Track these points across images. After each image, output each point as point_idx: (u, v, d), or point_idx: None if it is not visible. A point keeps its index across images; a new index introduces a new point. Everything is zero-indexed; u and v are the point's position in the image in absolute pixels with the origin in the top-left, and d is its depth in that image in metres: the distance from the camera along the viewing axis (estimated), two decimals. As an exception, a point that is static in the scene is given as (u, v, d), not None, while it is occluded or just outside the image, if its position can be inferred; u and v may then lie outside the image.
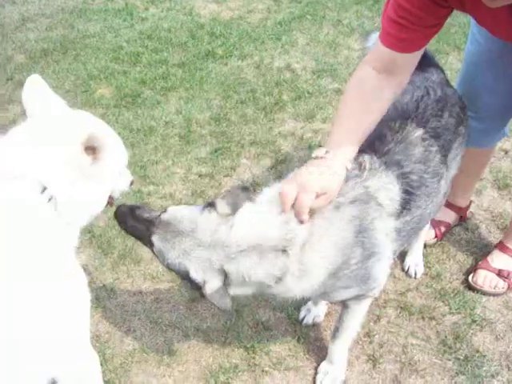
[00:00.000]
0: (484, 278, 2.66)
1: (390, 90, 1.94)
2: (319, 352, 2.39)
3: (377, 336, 2.46)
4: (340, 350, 2.30)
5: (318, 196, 1.72)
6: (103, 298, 2.59)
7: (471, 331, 2.49)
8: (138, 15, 5.08)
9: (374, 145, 2.02)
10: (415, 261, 2.76)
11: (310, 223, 1.76)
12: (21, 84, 4.05)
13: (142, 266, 2.74)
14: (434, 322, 2.53)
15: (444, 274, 2.75)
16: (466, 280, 2.70)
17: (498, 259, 2.71)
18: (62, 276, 1.53)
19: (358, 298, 2.06)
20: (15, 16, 4.95)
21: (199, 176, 3.32)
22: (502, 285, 2.66)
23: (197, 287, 1.76)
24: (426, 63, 2.26)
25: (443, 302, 2.62)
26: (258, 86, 4.11)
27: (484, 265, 2.71)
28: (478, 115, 2.45)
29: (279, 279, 1.76)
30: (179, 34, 4.76)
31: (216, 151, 3.50)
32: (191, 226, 1.76)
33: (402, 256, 2.79)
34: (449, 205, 2.92)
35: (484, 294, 2.66)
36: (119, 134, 3.48)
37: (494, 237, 2.93)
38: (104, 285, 2.65)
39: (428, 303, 2.61)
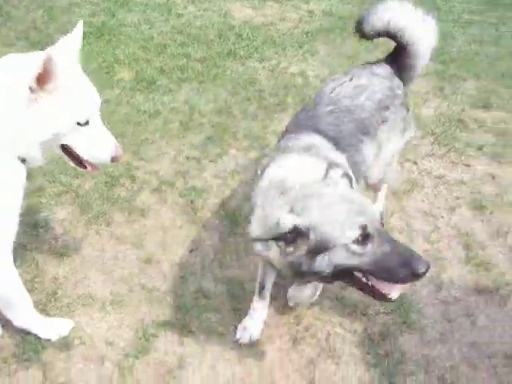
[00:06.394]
0: None
1: None
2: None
3: (305, 320, 2.61)
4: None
5: None
6: (70, 248, 2.87)
7: (399, 331, 2.59)
8: (175, 11, 5.42)
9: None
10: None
11: None
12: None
13: (111, 228, 3.02)
14: (365, 318, 2.64)
15: (388, 276, 2.86)
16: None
17: None
18: None
19: None
20: (64, 1, 5.39)
21: (187, 159, 3.57)
22: None
23: None
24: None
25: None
26: (267, 87, 4.33)
27: None
28: None
29: None
30: (208, 33, 5.06)
31: (208, 138, 3.74)
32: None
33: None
34: None
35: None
36: (126, 113, 3.91)
37: (454, 253, 3.00)
38: (74, 238, 2.94)
39: (365, 300, 2.68)
